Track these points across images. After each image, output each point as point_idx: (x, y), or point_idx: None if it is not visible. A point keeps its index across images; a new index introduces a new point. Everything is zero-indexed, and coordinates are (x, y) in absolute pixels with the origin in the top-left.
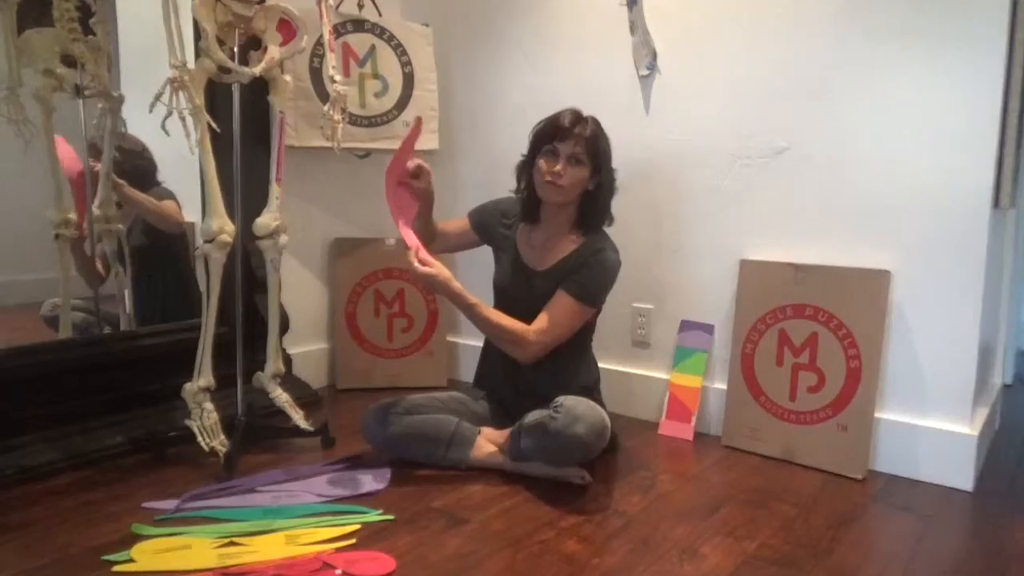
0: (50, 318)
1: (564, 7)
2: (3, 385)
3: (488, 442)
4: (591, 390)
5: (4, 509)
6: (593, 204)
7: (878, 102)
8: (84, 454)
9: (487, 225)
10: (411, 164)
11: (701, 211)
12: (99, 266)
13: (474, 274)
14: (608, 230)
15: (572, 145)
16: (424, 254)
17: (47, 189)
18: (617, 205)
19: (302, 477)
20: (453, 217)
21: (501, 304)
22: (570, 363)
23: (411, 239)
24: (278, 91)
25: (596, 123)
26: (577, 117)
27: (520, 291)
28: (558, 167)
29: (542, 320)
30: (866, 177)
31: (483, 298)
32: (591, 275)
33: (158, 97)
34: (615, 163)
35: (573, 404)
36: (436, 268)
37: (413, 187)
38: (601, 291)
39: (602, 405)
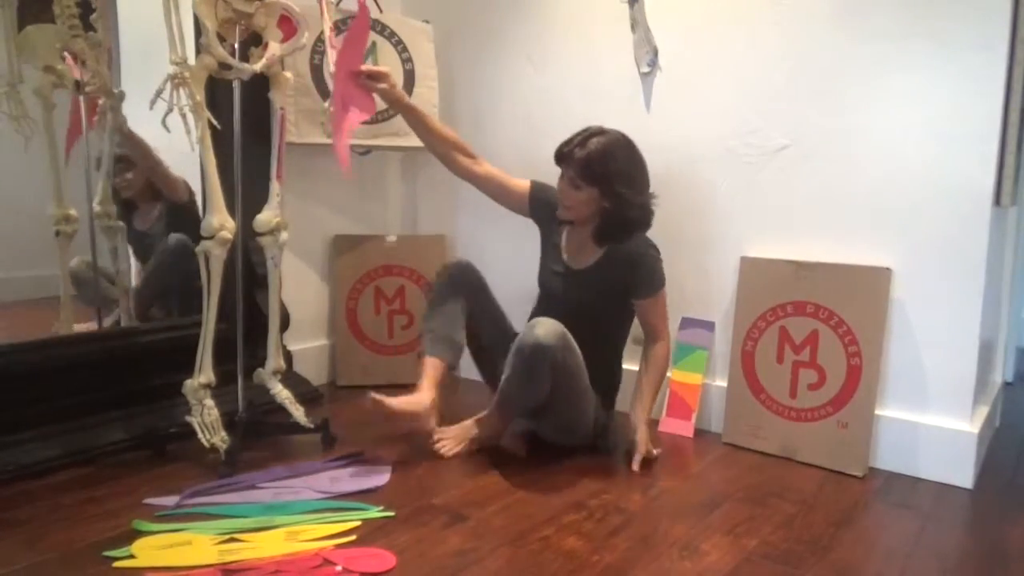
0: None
1: (565, 4)
2: (4, 381)
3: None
4: (611, 391)
5: (5, 505)
6: (609, 220)
7: (879, 99)
8: (85, 450)
9: (544, 203)
10: (370, 68)
11: (702, 208)
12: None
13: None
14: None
15: (568, 169)
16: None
17: (47, 185)
18: None
19: (303, 473)
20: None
21: (544, 302)
22: (603, 361)
23: (343, 150)
24: (279, 88)
25: (604, 143)
26: (580, 138)
27: (557, 287)
28: (560, 189)
29: (657, 328)
30: (867, 174)
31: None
32: (652, 269)
33: (159, 93)
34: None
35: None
36: None
37: (374, 89)
38: (662, 281)
39: (612, 406)
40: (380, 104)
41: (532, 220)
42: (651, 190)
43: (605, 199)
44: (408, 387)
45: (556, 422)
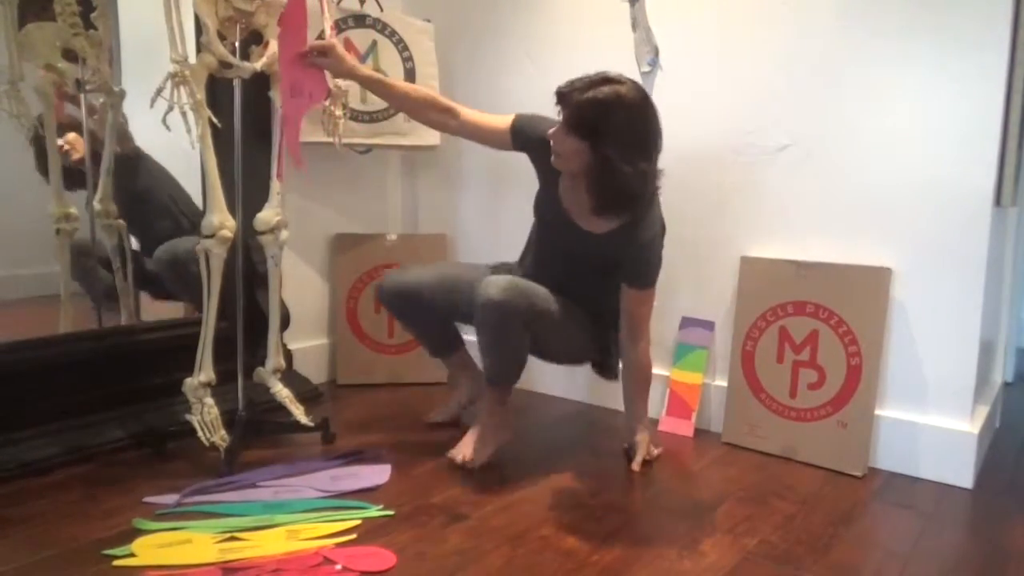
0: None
1: (566, 3)
2: (4, 379)
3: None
4: (611, 315)
5: (5, 503)
6: (600, 184)
7: (880, 99)
8: (85, 449)
9: (531, 137)
10: (315, 44)
11: (702, 208)
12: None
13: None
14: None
15: (564, 111)
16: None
17: (47, 183)
18: None
19: (303, 472)
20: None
21: (542, 234)
22: (607, 308)
23: (295, 142)
24: (280, 86)
25: (608, 96)
26: (587, 82)
27: (566, 241)
28: (552, 131)
29: (640, 327)
30: (867, 174)
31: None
32: (649, 259)
33: (159, 92)
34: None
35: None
36: None
37: (324, 65)
38: (656, 268)
39: (612, 326)
40: (331, 81)
41: (521, 151)
42: (657, 164)
43: (593, 157)
44: (409, 385)
45: (551, 355)
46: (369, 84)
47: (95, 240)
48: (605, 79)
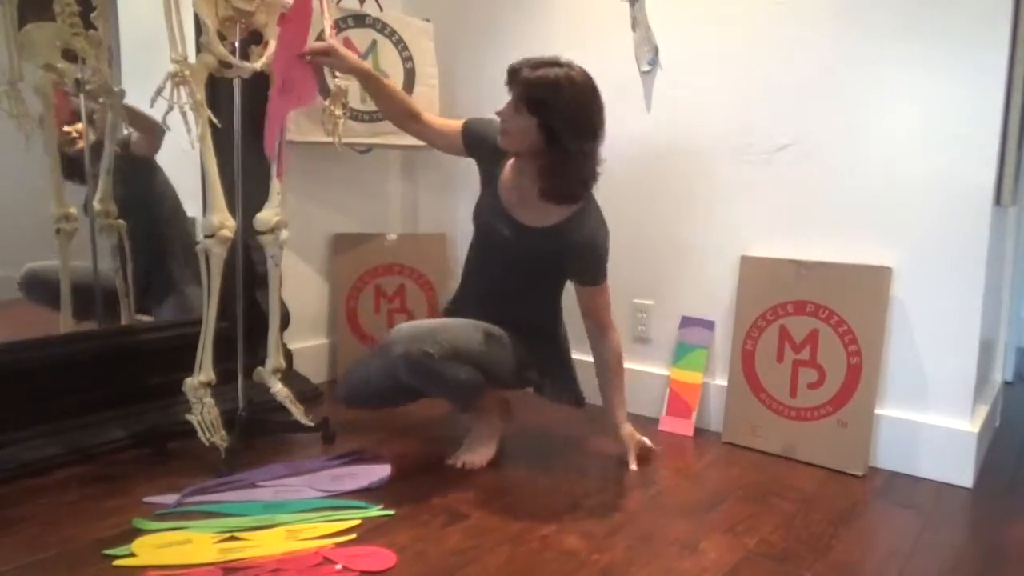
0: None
1: (566, 3)
2: (4, 379)
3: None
4: (550, 326)
5: (5, 503)
6: (548, 168)
7: (880, 99)
8: (85, 449)
9: (480, 137)
10: (315, 46)
11: (702, 207)
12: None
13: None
14: (608, 225)
15: (514, 88)
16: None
17: (47, 183)
18: (617, 201)
19: (303, 472)
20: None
21: (478, 245)
22: (545, 320)
23: (273, 138)
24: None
25: (557, 75)
26: (536, 62)
27: (503, 242)
28: (501, 109)
29: (602, 319)
30: (868, 174)
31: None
32: (599, 255)
33: (159, 92)
34: (615, 155)
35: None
36: None
37: (325, 62)
38: (606, 259)
39: (549, 340)
40: (331, 81)
41: (471, 157)
42: (600, 151)
43: (541, 133)
44: None
45: (488, 378)
46: (368, 80)
47: (95, 241)
48: (556, 62)
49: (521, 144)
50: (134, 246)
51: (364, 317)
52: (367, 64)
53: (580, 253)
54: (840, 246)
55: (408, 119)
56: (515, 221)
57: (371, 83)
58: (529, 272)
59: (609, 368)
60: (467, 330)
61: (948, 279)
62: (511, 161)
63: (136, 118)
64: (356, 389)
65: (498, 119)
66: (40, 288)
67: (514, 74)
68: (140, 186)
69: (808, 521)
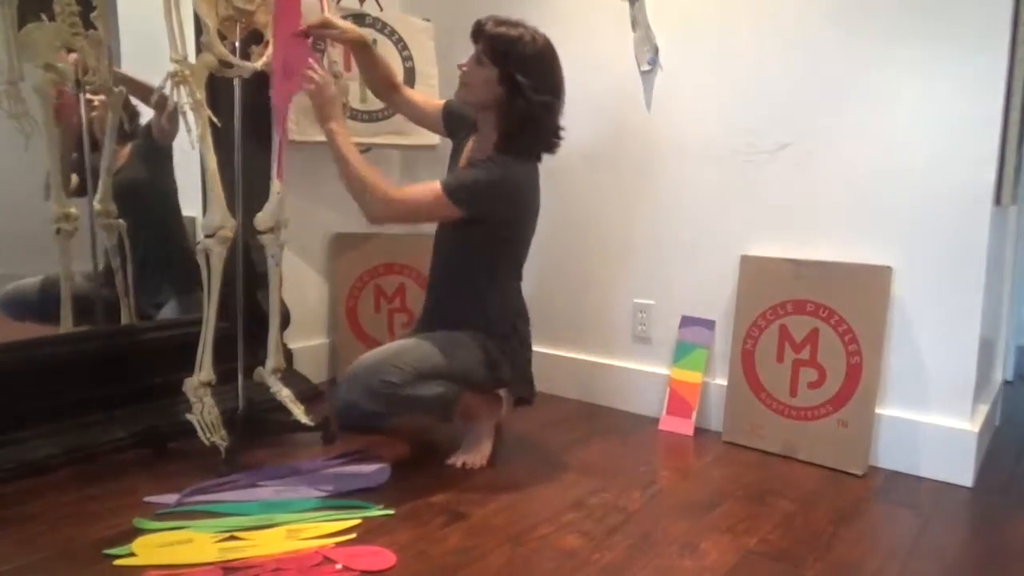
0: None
1: (566, 3)
2: (4, 379)
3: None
4: (498, 323)
5: (5, 503)
6: (508, 120)
7: (880, 98)
8: (85, 448)
9: (459, 116)
10: (316, 18)
11: (702, 207)
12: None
13: None
14: (609, 224)
15: (478, 43)
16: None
17: (48, 183)
18: (617, 200)
19: (303, 472)
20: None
21: (438, 229)
22: (480, 292)
23: (284, 122)
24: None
25: (520, 32)
26: (501, 19)
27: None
28: (463, 62)
29: (405, 188)
30: (868, 173)
31: None
32: (469, 173)
33: (159, 91)
34: (615, 154)
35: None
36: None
37: (327, 35)
38: (465, 188)
39: (509, 346)
40: (329, 70)
41: (449, 138)
42: (562, 110)
43: (503, 85)
44: None
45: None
46: (364, 49)
47: (95, 241)
48: (521, 23)
49: (482, 95)
50: (139, 236)
51: (364, 317)
52: (364, 33)
53: (477, 162)
54: (840, 245)
55: (390, 90)
56: None
57: (366, 52)
58: (478, 246)
59: (367, 169)
60: (423, 347)
61: (948, 278)
62: (473, 137)
63: (144, 92)
64: (344, 415)
65: (460, 70)
66: (18, 306)
67: (479, 28)
68: (157, 174)
69: (808, 521)
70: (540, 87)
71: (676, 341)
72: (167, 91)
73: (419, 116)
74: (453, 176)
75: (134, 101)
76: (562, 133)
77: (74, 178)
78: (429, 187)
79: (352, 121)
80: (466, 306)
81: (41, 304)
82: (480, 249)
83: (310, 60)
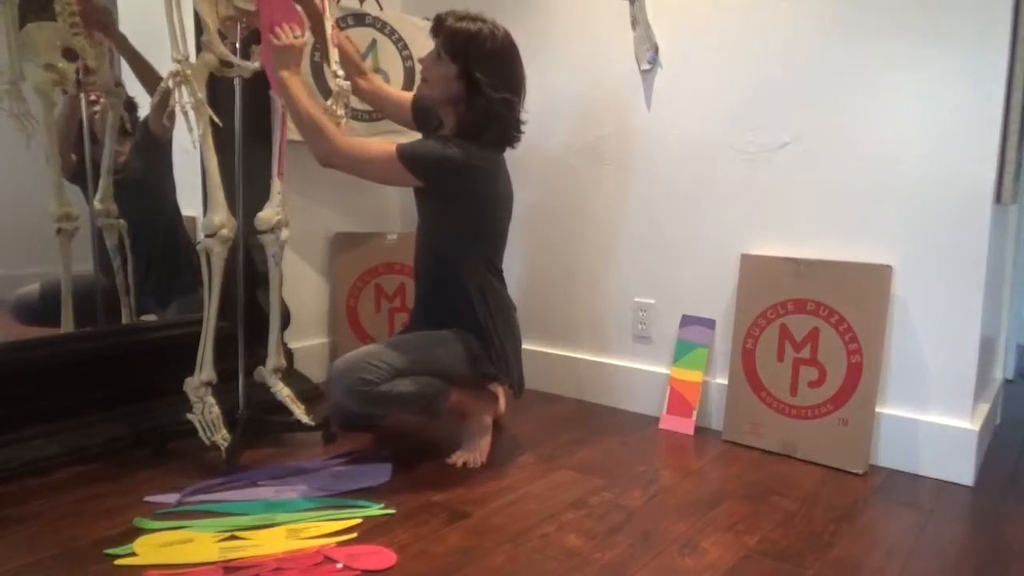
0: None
1: (566, 2)
2: (4, 379)
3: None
4: (477, 318)
5: (6, 503)
6: (468, 117)
7: (880, 97)
8: (86, 448)
9: (426, 111)
10: None
11: (702, 205)
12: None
13: None
14: (609, 223)
15: (437, 37)
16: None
17: (48, 183)
18: (617, 199)
19: (303, 471)
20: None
21: (418, 225)
22: (458, 288)
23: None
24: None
25: (480, 27)
26: (462, 14)
27: (417, 202)
28: (423, 56)
29: (361, 141)
30: (868, 172)
31: None
32: (427, 142)
33: (160, 91)
34: (615, 153)
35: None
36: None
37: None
38: (418, 155)
39: (491, 341)
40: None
41: (419, 132)
42: (522, 105)
43: (461, 80)
44: None
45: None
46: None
47: (95, 240)
48: (481, 18)
49: (441, 91)
50: (140, 234)
51: (364, 316)
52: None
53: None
54: (840, 244)
55: (356, 75)
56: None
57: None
58: (435, 232)
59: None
60: (401, 345)
61: (948, 277)
62: (441, 131)
63: (147, 73)
64: (334, 414)
65: (420, 66)
66: (25, 311)
67: (439, 24)
68: (155, 170)
69: (809, 519)
70: (498, 84)
71: (676, 340)
72: (169, 87)
73: (389, 107)
74: (410, 143)
75: (132, 93)
76: (523, 128)
77: (72, 158)
78: (385, 146)
79: (353, 121)
80: (445, 302)
81: (43, 308)
82: (450, 243)
83: (288, 23)
